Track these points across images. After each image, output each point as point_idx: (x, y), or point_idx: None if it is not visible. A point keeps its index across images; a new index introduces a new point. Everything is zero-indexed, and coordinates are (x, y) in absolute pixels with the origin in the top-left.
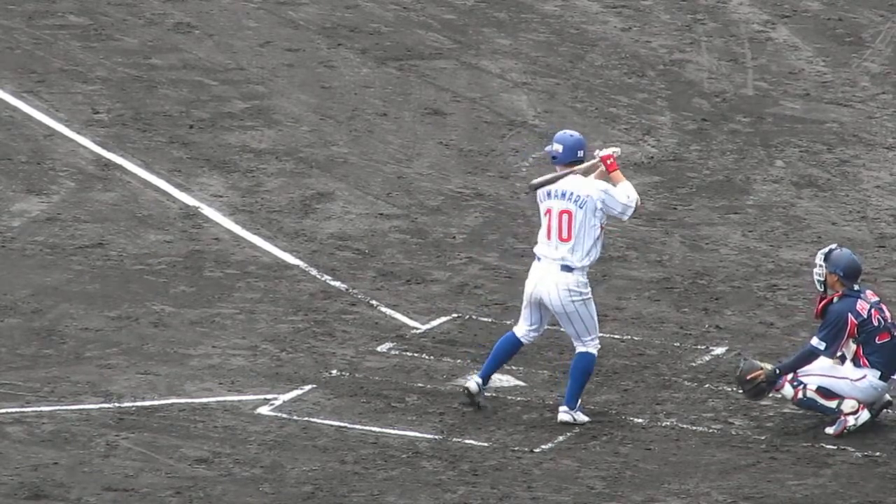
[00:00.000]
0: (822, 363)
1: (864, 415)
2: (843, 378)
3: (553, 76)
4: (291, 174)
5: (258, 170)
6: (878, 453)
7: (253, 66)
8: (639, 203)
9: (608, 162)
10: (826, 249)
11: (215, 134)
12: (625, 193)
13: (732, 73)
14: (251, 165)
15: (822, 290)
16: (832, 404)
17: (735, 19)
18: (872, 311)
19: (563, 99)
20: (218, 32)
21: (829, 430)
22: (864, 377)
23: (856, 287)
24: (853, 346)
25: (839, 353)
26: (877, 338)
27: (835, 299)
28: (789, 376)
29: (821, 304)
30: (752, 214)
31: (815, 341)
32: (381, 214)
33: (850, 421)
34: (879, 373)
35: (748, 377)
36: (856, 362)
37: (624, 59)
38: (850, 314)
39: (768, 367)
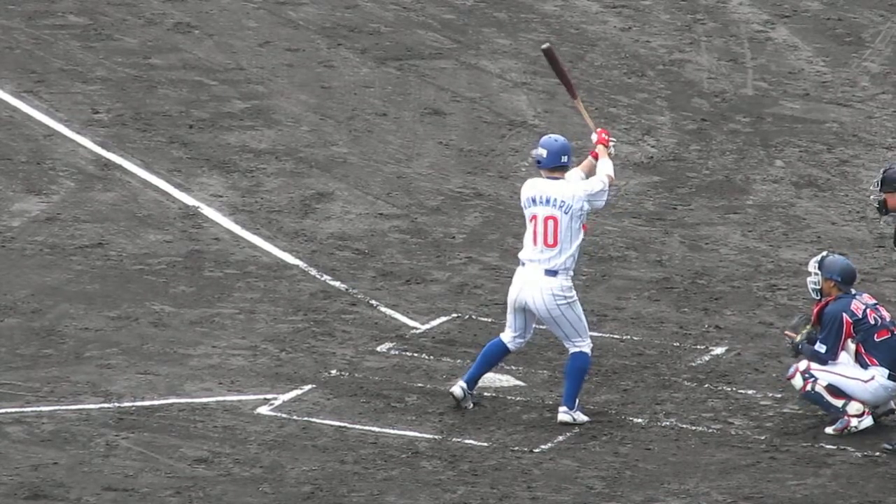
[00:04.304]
0: (839, 360)
1: (868, 420)
2: (855, 379)
3: (553, 76)
4: (291, 174)
5: (258, 170)
6: (877, 453)
7: (253, 66)
8: (613, 180)
9: (602, 136)
10: (818, 257)
11: (215, 134)
12: (599, 180)
13: (732, 73)
14: (251, 165)
15: (819, 297)
16: (838, 403)
17: (735, 19)
18: (868, 310)
19: (563, 99)
20: (218, 32)
21: (830, 430)
22: (872, 378)
23: (852, 291)
24: (852, 346)
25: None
26: (875, 335)
27: (829, 302)
28: (802, 367)
29: (816, 310)
30: (751, 214)
31: (817, 346)
32: (381, 214)
33: (853, 423)
34: (887, 371)
35: (786, 332)
36: (861, 362)
37: (624, 59)
38: (844, 314)
39: (801, 336)
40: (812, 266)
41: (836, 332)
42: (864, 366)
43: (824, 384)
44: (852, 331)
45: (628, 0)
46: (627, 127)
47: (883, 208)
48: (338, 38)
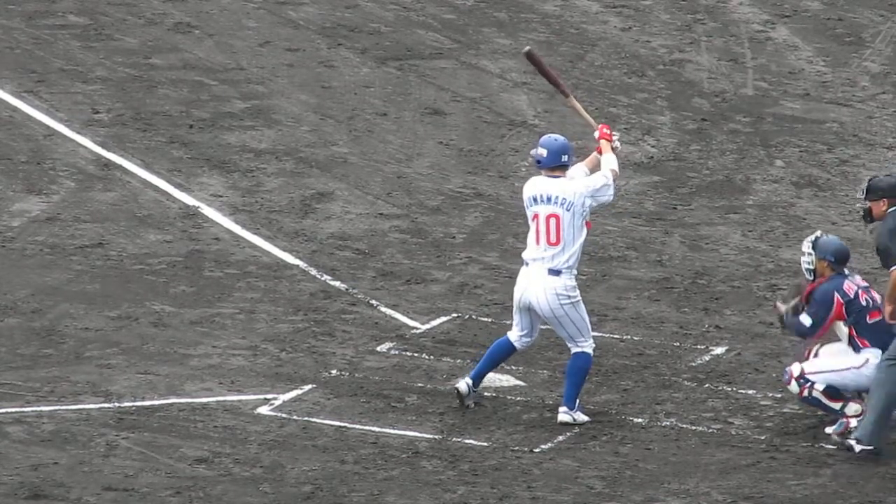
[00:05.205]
0: (829, 351)
1: None
2: (849, 369)
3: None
4: (291, 174)
5: (258, 170)
6: (881, 453)
7: (253, 66)
8: (616, 174)
9: (604, 130)
10: (812, 237)
11: (215, 134)
12: (602, 175)
13: (732, 72)
14: (251, 165)
15: (812, 278)
16: (837, 406)
17: (735, 19)
18: (860, 292)
19: (563, 99)
20: (218, 32)
21: (829, 430)
22: (866, 361)
23: (845, 271)
24: (845, 329)
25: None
26: (867, 317)
27: (822, 282)
28: (796, 372)
29: (808, 290)
30: (752, 214)
31: (802, 317)
32: (381, 214)
33: (852, 423)
34: (880, 352)
35: (776, 303)
36: (853, 345)
37: (624, 59)
38: (836, 293)
39: (788, 306)
40: (806, 246)
41: (826, 308)
42: (857, 349)
43: (821, 388)
44: (844, 312)
45: (628, 0)
46: (627, 127)
47: (868, 216)
48: (338, 38)
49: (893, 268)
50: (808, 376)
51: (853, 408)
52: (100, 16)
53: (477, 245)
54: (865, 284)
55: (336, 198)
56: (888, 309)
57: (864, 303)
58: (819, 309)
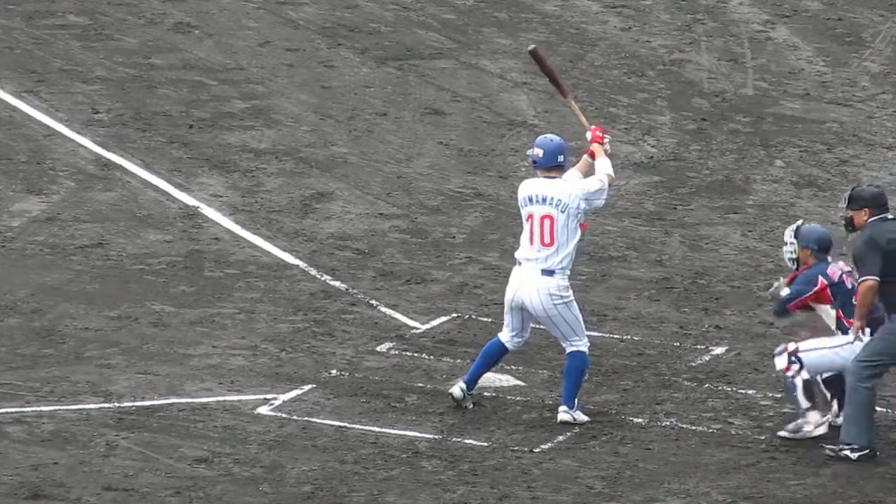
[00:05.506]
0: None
1: (822, 430)
2: (842, 345)
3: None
4: (291, 174)
5: (258, 170)
6: (877, 453)
7: (253, 66)
8: (612, 179)
9: (597, 133)
10: (794, 226)
11: (215, 134)
12: (598, 179)
13: (732, 72)
14: (251, 165)
15: (796, 267)
16: (805, 404)
17: (735, 19)
18: (844, 276)
19: (562, 99)
20: (218, 32)
21: (782, 433)
22: (855, 339)
23: (828, 259)
24: (832, 313)
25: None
26: (853, 299)
27: (806, 269)
28: (791, 347)
29: (791, 276)
30: (752, 214)
31: (782, 291)
32: (381, 214)
33: (807, 428)
34: (868, 329)
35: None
36: (841, 327)
37: (624, 59)
38: (820, 276)
39: (774, 287)
40: (788, 235)
41: (808, 286)
42: (845, 331)
43: (804, 377)
44: (830, 295)
45: (628, 0)
46: (627, 127)
47: (849, 226)
48: (338, 38)
49: (863, 278)
50: (800, 354)
51: (815, 417)
52: (100, 16)
53: (477, 245)
54: (849, 269)
55: (336, 198)
56: (856, 324)
57: (849, 285)
58: (801, 286)
